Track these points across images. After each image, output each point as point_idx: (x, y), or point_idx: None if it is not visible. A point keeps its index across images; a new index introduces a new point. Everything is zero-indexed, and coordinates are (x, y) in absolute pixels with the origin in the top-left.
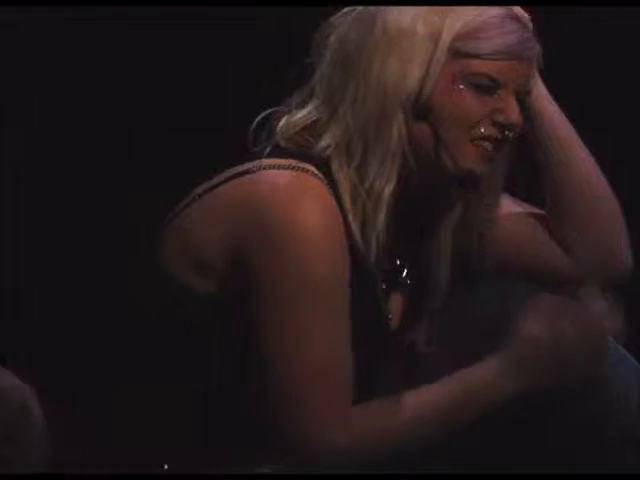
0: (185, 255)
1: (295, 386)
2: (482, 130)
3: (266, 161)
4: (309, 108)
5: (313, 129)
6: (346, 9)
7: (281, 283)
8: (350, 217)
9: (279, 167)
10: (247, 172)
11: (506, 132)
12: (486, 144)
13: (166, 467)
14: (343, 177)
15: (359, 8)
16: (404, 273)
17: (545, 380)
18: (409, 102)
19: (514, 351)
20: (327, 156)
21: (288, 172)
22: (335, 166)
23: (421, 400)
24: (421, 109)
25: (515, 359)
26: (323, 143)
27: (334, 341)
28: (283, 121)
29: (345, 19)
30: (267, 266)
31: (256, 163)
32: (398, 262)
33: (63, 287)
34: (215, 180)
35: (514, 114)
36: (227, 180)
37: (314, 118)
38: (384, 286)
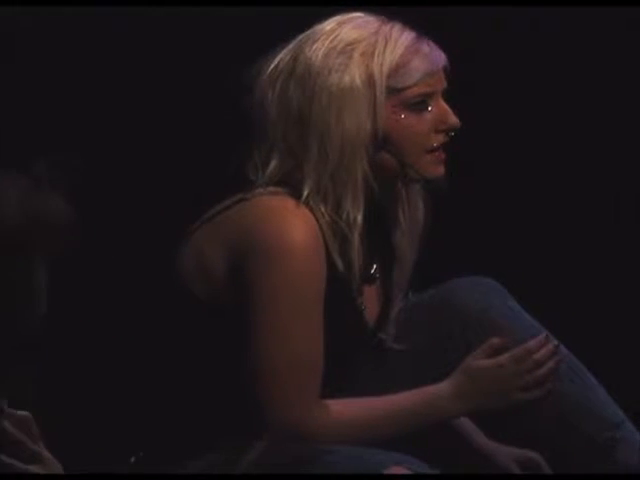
0: (197, 269)
1: (275, 372)
2: (432, 142)
3: (259, 190)
4: (273, 165)
5: (285, 182)
6: (271, 66)
7: (269, 288)
8: (329, 240)
9: (270, 194)
10: (244, 199)
11: (450, 133)
12: (439, 150)
13: (133, 460)
14: (321, 215)
15: (284, 69)
16: (373, 269)
17: (486, 404)
18: (370, 142)
19: (461, 378)
20: (305, 200)
21: (278, 196)
22: (313, 205)
23: (377, 405)
24: (379, 142)
25: (461, 385)
26: (299, 192)
27: (309, 338)
28: (258, 176)
29: (275, 78)
30: (258, 273)
31: (251, 191)
32: (368, 260)
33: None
34: (219, 207)
35: (450, 116)
36: (228, 207)
37: (283, 172)
38: (357, 285)
